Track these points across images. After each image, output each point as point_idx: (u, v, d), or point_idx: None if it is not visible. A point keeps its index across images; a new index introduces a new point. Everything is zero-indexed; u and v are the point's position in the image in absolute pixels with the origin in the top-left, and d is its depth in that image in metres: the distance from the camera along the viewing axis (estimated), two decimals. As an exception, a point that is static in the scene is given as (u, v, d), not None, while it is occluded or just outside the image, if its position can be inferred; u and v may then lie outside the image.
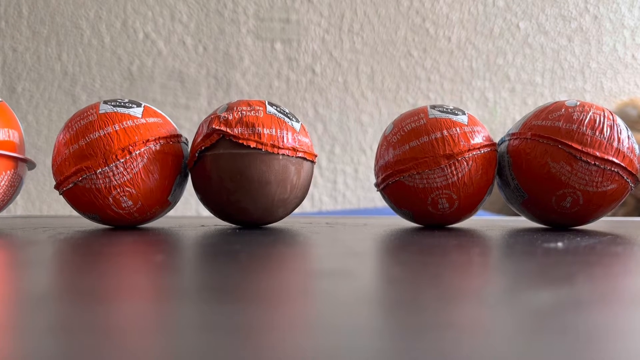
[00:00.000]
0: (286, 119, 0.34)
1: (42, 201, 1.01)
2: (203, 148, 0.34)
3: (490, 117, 1.05)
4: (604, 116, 0.34)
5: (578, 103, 0.35)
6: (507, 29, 1.06)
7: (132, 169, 0.32)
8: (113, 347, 0.10)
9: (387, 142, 0.36)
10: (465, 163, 0.34)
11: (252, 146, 0.33)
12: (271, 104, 0.35)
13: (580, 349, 0.10)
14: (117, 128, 0.32)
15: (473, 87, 1.06)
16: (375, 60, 1.04)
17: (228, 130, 0.33)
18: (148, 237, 0.30)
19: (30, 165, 0.36)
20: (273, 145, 0.33)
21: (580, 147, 0.33)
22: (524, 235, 0.31)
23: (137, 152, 0.32)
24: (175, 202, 0.36)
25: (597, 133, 0.33)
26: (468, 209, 0.35)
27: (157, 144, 0.33)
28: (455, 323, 0.11)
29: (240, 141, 0.33)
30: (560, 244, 0.26)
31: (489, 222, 0.44)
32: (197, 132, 0.35)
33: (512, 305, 0.13)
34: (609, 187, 0.34)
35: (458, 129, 0.34)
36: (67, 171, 0.33)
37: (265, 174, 0.33)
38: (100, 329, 0.11)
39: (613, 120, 0.34)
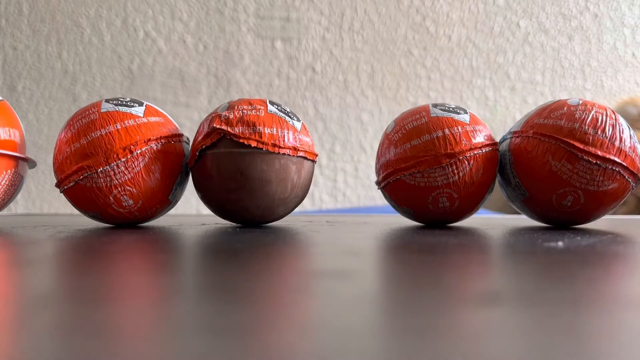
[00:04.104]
0: (287, 118, 0.34)
1: (43, 199, 1.01)
2: (204, 147, 0.34)
3: (491, 115, 1.05)
4: (606, 115, 0.34)
5: (580, 102, 0.35)
6: (508, 28, 1.06)
7: (133, 168, 0.32)
8: (113, 347, 0.10)
9: (389, 140, 0.36)
10: (466, 162, 0.34)
11: (252, 145, 0.33)
12: (272, 103, 0.35)
13: (581, 349, 0.10)
14: (119, 127, 0.32)
15: (473, 85, 1.06)
16: (376, 58, 1.04)
17: (229, 129, 0.33)
18: (149, 236, 0.30)
19: (31, 164, 0.36)
20: (274, 145, 0.33)
21: (581, 146, 0.33)
22: (525, 234, 0.31)
23: (138, 152, 0.32)
24: (176, 201, 0.36)
25: (599, 132, 0.33)
26: (469, 208, 0.35)
27: (158, 143, 0.33)
28: (455, 323, 0.11)
29: (241, 140, 0.33)
30: (560, 243, 0.26)
31: (490, 220, 0.44)
32: (198, 131, 0.35)
33: (512, 306, 0.13)
34: (610, 186, 0.34)
35: (460, 128, 0.34)
36: (68, 169, 0.33)
37: (266, 173, 0.33)
38: (101, 329, 0.11)
39: (615, 120, 0.34)
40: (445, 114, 0.35)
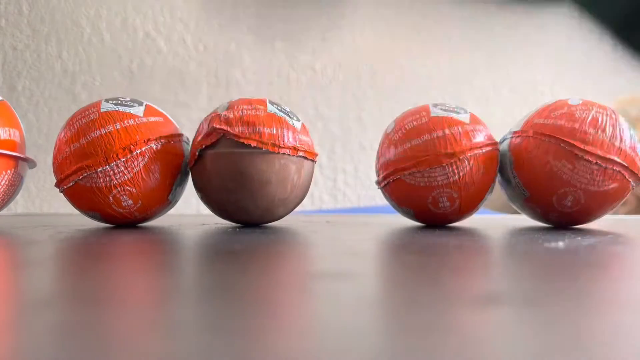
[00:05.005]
0: (287, 118, 0.34)
1: (43, 199, 1.01)
2: (204, 147, 0.34)
3: (491, 115, 1.05)
4: (607, 115, 0.34)
5: (581, 101, 0.35)
6: (508, 27, 1.06)
7: (132, 168, 0.32)
8: (113, 347, 0.10)
9: (389, 139, 0.36)
10: (466, 162, 0.34)
11: (252, 145, 0.33)
12: (272, 103, 0.35)
13: (581, 350, 0.10)
14: (119, 127, 0.32)
15: (474, 85, 1.06)
16: (376, 58, 1.04)
17: (229, 129, 0.33)
18: (148, 236, 0.30)
19: (31, 164, 0.36)
20: (274, 145, 0.33)
21: (582, 146, 0.33)
22: (525, 234, 0.31)
23: (138, 151, 0.32)
24: (176, 201, 0.36)
25: (599, 132, 0.33)
26: (469, 208, 0.35)
27: (158, 143, 0.33)
28: (455, 324, 0.11)
29: (241, 140, 0.33)
30: (561, 244, 0.26)
31: (490, 220, 0.44)
32: (197, 131, 0.35)
33: (512, 306, 0.13)
34: (610, 186, 0.33)
35: (460, 128, 0.34)
36: (68, 169, 0.33)
37: (266, 173, 0.33)
38: (101, 330, 0.11)
39: (615, 119, 0.34)
40: (446, 114, 0.35)
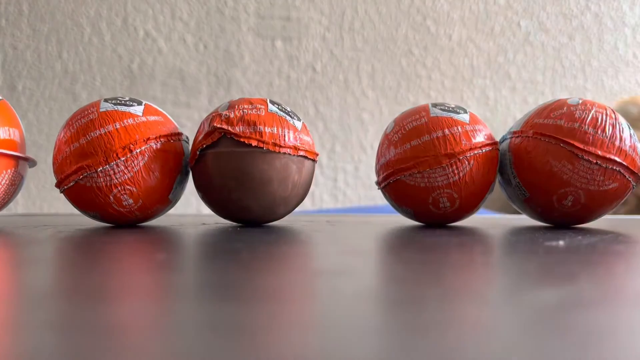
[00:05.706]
0: (288, 118, 0.34)
1: (43, 199, 1.01)
2: (204, 146, 0.34)
3: (492, 115, 1.05)
4: (606, 115, 0.34)
5: (580, 101, 0.35)
6: (508, 27, 1.06)
7: (132, 168, 0.32)
8: (114, 346, 0.10)
9: (388, 140, 0.36)
10: (466, 162, 0.34)
11: (253, 145, 0.33)
12: (273, 102, 0.35)
13: (582, 349, 0.10)
14: (118, 126, 0.32)
15: (474, 85, 1.06)
16: (376, 58, 1.04)
17: (229, 128, 0.33)
18: (149, 235, 0.30)
19: (31, 163, 0.36)
20: (274, 144, 0.33)
21: (582, 146, 0.33)
22: (525, 233, 0.31)
23: (137, 151, 0.32)
24: (176, 201, 0.36)
25: (599, 132, 0.33)
26: (469, 208, 0.35)
27: (158, 142, 0.33)
28: (456, 322, 0.11)
29: (242, 140, 0.33)
30: (561, 243, 0.26)
31: (490, 220, 0.44)
32: (198, 130, 0.35)
33: (513, 305, 0.13)
34: (610, 186, 0.33)
35: (459, 128, 0.34)
36: (68, 169, 0.33)
37: (267, 173, 0.33)
38: (102, 328, 0.11)
39: (615, 119, 0.34)
40: (445, 114, 0.35)
